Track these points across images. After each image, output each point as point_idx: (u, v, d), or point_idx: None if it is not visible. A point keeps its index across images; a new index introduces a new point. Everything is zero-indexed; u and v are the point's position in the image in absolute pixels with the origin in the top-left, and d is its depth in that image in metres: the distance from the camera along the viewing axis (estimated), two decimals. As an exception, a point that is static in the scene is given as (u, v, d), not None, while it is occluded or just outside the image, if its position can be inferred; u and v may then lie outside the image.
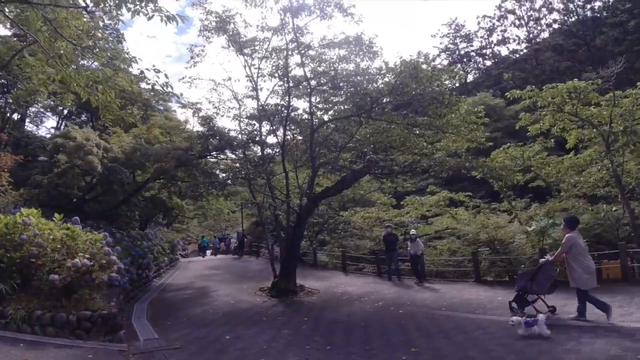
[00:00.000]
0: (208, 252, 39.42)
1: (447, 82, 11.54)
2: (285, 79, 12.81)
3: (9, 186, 13.29)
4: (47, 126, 34.99)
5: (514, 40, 60.66)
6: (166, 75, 6.21)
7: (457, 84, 36.84)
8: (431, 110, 10.58)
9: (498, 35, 61.77)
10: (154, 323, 10.16)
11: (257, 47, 14.03)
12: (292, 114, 13.66)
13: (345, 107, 12.16)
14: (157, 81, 6.22)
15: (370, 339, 7.78)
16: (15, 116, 27.32)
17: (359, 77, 11.53)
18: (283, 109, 13.39)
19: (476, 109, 11.57)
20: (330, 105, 12.54)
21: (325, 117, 13.51)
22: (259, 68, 14.19)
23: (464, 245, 16.32)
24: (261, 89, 14.34)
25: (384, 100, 10.99)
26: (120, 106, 25.17)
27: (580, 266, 7.33)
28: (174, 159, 14.17)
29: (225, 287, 15.69)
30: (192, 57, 14.63)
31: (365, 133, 13.00)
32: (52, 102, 23.62)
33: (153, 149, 15.47)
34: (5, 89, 20.76)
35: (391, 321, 9.26)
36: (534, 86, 14.13)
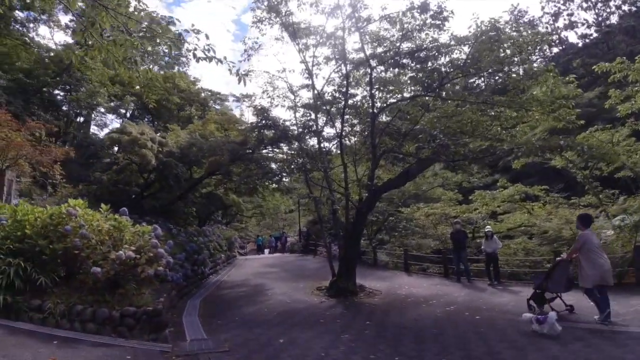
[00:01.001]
0: (266, 250, 40.13)
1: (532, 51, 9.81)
2: (343, 61, 11.75)
3: (62, 179, 13.27)
4: (111, 128, 36.55)
5: (582, 24, 55.50)
6: (207, 36, 5.31)
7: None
8: (512, 84, 9.03)
9: (564, 19, 56.80)
10: (205, 322, 9.50)
11: (311, 31, 13.11)
12: (350, 101, 12.55)
13: (410, 87, 10.86)
14: (197, 45, 5.37)
15: (446, 350, 6.53)
16: (81, 119, 28.60)
17: (424, 53, 10.16)
18: (340, 95, 12.34)
19: (567, 78, 9.78)
20: (393, 87, 11.26)
21: (388, 101, 12.21)
22: (314, 56, 13.31)
23: (544, 244, 14.51)
24: (316, 76, 13.43)
25: (455, 76, 9.58)
26: (178, 106, 25.32)
27: (591, 264, 7.29)
28: (228, 151, 13.60)
29: (281, 286, 14.91)
30: (245, 50, 14.03)
31: (431, 118, 11.64)
32: (112, 104, 24.30)
33: (208, 143, 15.04)
34: (68, 92, 21.46)
35: (468, 329, 7.92)
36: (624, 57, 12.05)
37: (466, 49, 9.24)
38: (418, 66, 9.99)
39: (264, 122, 12.87)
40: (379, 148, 11.78)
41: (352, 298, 11.88)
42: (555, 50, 61.40)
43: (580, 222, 7.87)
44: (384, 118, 12.92)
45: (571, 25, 56.85)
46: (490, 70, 9.34)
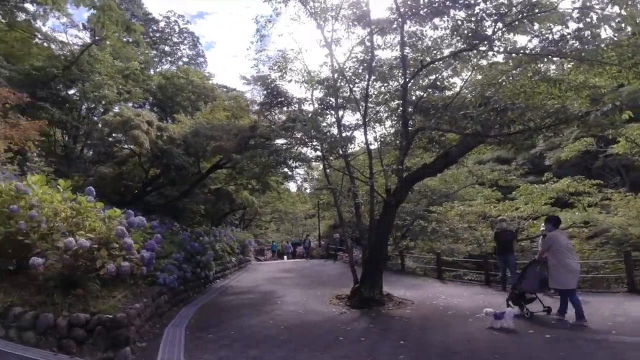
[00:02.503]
0: (285, 257, 38.45)
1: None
2: (366, 19, 9.68)
3: (40, 161, 11.54)
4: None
5: None
6: None
7: None
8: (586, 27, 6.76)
9: None
10: (192, 336, 7.48)
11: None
12: (377, 69, 10.44)
13: (452, 42, 8.64)
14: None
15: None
16: (93, 116, 27.34)
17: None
18: (365, 58, 10.23)
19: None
20: (429, 43, 9.09)
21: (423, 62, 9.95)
22: (332, 30, 11.30)
23: (606, 245, 12.18)
24: (335, 49, 11.36)
25: (512, 20, 7.35)
26: (192, 102, 23.50)
27: (560, 264, 7.41)
28: (234, 136, 11.69)
29: (294, 293, 12.84)
30: (257, 30, 12.11)
31: (474, 84, 9.45)
32: (122, 98, 22.88)
33: (211, 128, 13.17)
34: (76, 84, 20.03)
35: (545, 354, 5.68)
36: None
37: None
38: (462, 13, 7.80)
39: (273, 96, 10.84)
40: (412, 126, 9.64)
41: (379, 309, 9.72)
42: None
43: (550, 223, 8.08)
44: (415, 95, 10.72)
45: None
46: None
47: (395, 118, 10.80)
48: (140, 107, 29.26)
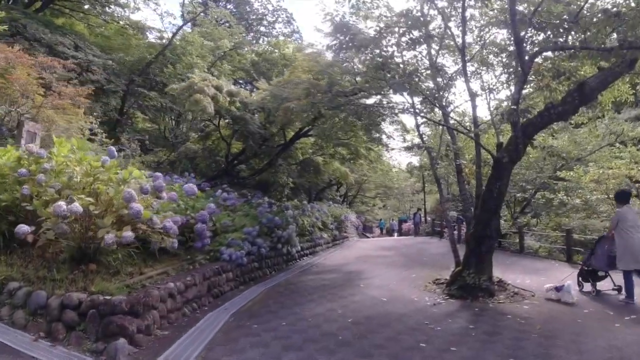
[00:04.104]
0: (395, 234, 37.05)
1: None
2: None
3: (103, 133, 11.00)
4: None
5: None
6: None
7: None
8: None
9: None
10: (236, 324, 6.10)
11: None
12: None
13: None
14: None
15: None
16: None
17: None
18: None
19: None
20: None
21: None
22: None
23: None
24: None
25: None
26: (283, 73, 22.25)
27: (625, 244, 7.06)
28: (304, 91, 9.96)
29: (385, 274, 10.92)
30: None
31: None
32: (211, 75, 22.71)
33: (283, 86, 11.58)
34: (168, 67, 20.10)
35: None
36: None
37: None
38: None
39: (343, 33, 8.67)
40: (528, 47, 6.90)
41: (485, 301, 7.33)
42: None
43: (616, 199, 8.00)
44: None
45: None
46: None
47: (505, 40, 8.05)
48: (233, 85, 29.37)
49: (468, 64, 9.73)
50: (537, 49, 7.15)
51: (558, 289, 7.16)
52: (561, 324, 5.82)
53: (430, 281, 9.41)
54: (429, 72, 9.60)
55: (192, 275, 7.14)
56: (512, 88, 7.62)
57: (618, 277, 7.42)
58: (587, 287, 8.00)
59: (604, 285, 7.77)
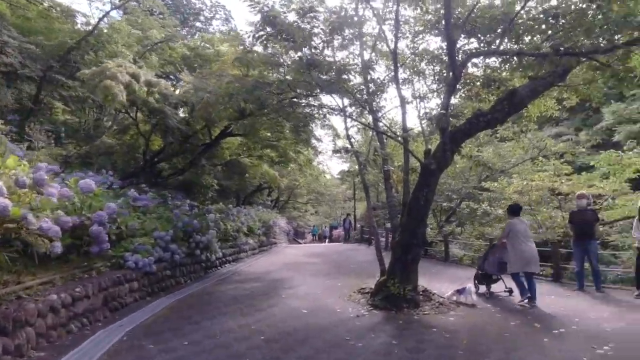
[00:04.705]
0: (326, 240, 37.93)
1: None
2: None
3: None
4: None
5: None
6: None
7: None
8: None
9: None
10: (129, 344, 5.21)
11: None
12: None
13: None
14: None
15: None
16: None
17: None
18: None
19: None
20: None
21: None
22: None
23: None
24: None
25: None
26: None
27: (515, 251, 7.81)
28: (228, 85, 9.16)
29: (310, 283, 10.38)
30: None
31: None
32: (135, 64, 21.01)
33: (205, 78, 10.69)
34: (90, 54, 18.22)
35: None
36: None
37: None
38: None
39: (269, 23, 8.01)
40: (461, 56, 6.75)
41: (410, 312, 7.03)
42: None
43: (508, 212, 8.55)
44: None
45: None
46: None
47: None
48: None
49: (400, 69, 9.56)
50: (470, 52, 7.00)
51: (460, 291, 7.67)
52: (488, 338, 5.58)
53: (355, 290, 9.01)
54: (360, 74, 9.27)
55: (84, 286, 6.15)
56: (443, 96, 7.41)
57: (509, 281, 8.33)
58: (482, 289, 8.77)
59: (497, 287, 8.68)
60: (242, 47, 8.77)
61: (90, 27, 18.86)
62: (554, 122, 24.22)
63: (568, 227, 10.88)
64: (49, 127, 15.33)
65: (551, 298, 8.19)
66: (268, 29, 7.99)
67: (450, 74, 6.71)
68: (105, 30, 18.81)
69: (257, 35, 8.04)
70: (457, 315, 6.92)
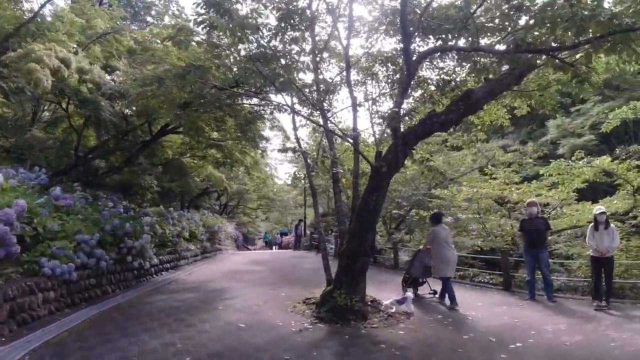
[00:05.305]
0: (274, 247, 38.06)
1: None
2: None
3: None
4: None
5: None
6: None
7: None
8: None
9: None
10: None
11: None
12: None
13: None
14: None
15: None
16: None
17: None
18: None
19: None
20: None
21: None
22: None
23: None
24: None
25: None
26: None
27: (438, 256, 8.36)
28: (166, 72, 8.33)
29: (251, 293, 9.66)
30: None
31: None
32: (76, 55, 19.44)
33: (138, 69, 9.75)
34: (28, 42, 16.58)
35: None
36: None
37: None
38: None
39: (211, 5, 7.28)
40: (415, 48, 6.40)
41: (358, 326, 6.51)
42: None
43: (431, 220, 9.25)
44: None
45: None
46: None
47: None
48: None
49: (353, 71, 9.17)
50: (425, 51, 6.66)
51: (400, 301, 7.55)
52: (442, 356, 5.15)
53: (300, 301, 8.43)
54: (311, 71, 8.75)
55: None
56: (396, 97, 7.01)
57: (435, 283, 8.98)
58: (410, 292, 8.97)
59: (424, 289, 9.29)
60: (177, 29, 7.88)
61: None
62: (499, 134, 24.97)
63: (519, 235, 10.92)
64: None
65: (503, 308, 7.99)
66: (211, 14, 7.28)
67: (405, 72, 6.31)
68: (49, 19, 17.41)
69: (199, 20, 7.30)
70: (407, 328, 6.48)
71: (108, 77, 11.11)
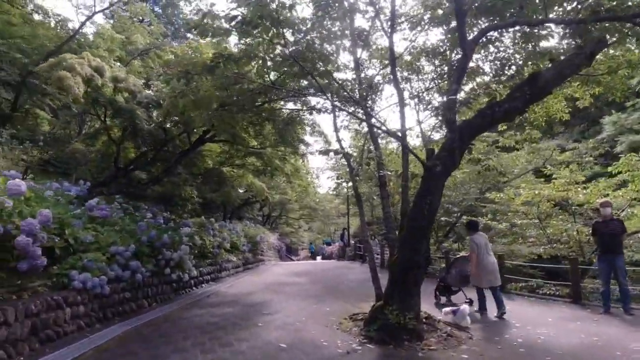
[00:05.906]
0: (318, 257, 37.14)
1: None
2: None
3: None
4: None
5: None
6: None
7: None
8: None
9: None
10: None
11: None
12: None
13: None
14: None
15: None
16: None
17: None
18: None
19: None
20: None
21: None
22: None
23: None
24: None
25: None
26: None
27: (482, 265, 7.90)
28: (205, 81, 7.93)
29: (292, 307, 8.99)
30: None
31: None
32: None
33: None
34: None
35: None
36: None
37: None
38: None
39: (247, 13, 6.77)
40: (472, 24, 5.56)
41: (413, 347, 5.67)
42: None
43: (468, 227, 8.94)
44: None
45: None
46: None
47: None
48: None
49: (397, 68, 8.40)
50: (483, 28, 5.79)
51: (455, 312, 7.10)
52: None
53: (346, 316, 7.69)
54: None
55: (2, 310, 4.85)
56: (451, 82, 6.18)
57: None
58: (443, 299, 9.16)
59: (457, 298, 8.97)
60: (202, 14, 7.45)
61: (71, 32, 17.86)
62: (549, 135, 23.23)
63: (586, 241, 9.73)
64: (25, 136, 14.06)
65: (577, 324, 6.94)
66: (243, 10, 6.77)
67: (460, 54, 5.48)
68: (92, 39, 17.94)
69: (230, 17, 6.79)
70: (470, 350, 5.57)
71: (148, 92, 10.88)
